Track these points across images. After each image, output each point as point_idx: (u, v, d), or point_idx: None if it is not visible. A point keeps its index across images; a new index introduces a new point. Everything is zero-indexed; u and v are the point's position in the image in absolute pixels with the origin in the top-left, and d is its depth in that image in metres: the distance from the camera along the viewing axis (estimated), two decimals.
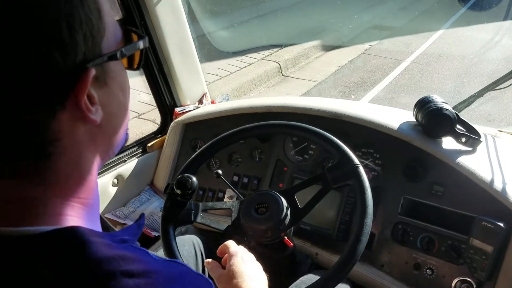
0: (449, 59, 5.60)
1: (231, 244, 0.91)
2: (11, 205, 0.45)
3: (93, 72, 0.44)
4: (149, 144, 1.59)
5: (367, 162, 1.28)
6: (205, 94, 1.72)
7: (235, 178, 1.48)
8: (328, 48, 6.11)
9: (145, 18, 1.44)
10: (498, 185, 1.06)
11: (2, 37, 0.39)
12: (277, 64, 5.51)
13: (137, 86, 3.40)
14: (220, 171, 1.14)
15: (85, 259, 0.42)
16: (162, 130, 1.67)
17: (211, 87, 4.50)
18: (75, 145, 0.47)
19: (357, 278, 1.23)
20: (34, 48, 0.40)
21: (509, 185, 1.06)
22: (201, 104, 1.69)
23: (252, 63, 5.46)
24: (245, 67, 5.35)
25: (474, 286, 1.06)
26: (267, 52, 5.71)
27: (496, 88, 1.38)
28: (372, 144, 1.29)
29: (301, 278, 1.15)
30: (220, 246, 0.92)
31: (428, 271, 1.14)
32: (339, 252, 1.24)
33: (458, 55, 5.73)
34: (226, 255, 0.89)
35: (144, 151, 1.60)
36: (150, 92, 1.64)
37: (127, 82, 0.54)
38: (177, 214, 1.03)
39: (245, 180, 1.45)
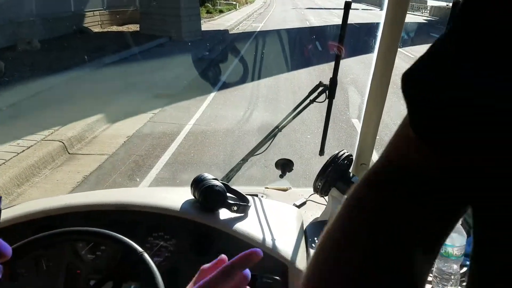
0: (224, 118, 6.30)
1: None
2: None
3: None
4: None
5: (160, 244, 1.32)
6: None
7: None
8: (113, 120, 6.09)
9: None
10: (269, 243, 1.23)
11: None
12: (61, 142, 5.19)
13: None
14: None
15: None
16: None
17: None
18: None
19: None
20: None
21: (277, 240, 1.25)
22: None
23: (32, 145, 5.02)
24: (23, 151, 4.87)
25: None
26: (46, 132, 5.34)
27: (256, 154, 1.63)
28: (161, 227, 1.34)
29: None
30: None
31: None
32: None
33: (230, 114, 6.50)
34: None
35: None
36: None
37: None
38: None
39: None
